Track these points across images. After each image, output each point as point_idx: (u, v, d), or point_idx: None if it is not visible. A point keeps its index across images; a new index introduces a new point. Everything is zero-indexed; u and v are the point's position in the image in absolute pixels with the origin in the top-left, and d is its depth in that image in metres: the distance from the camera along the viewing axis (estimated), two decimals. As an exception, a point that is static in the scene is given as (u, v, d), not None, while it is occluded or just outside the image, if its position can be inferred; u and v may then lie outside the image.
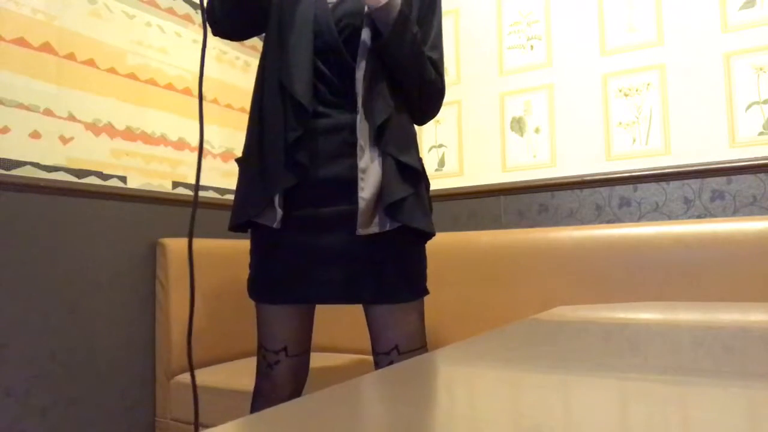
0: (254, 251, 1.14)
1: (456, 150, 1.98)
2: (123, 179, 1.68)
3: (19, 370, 1.40)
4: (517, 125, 1.88)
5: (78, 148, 1.57)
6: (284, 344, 1.10)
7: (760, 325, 0.75)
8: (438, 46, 1.16)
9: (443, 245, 1.67)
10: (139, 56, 1.76)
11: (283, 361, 1.10)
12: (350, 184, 1.04)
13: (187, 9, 1.93)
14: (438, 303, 1.66)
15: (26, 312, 1.43)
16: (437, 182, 1.98)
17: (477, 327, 1.65)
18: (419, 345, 1.10)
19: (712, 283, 1.39)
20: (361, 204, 1.02)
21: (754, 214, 1.52)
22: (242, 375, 1.59)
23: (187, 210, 1.86)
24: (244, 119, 2.12)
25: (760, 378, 0.42)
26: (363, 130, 1.04)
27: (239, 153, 2.11)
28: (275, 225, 1.05)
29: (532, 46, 1.87)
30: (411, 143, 1.11)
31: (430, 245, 1.15)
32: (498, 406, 0.36)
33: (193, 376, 1.05)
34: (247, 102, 2.15)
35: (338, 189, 1.05)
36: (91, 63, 1.61)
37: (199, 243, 1.77)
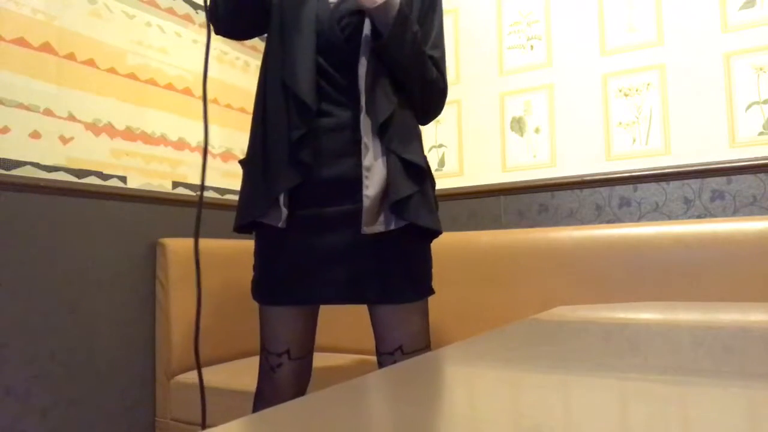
0: (258, 253, 1.13)
1: (456, 150, 1.98)
2: (123, 179, 1.68)
3: (19, 370, 1.40)
4: (517, 125, 1.88)
5: (78, 148, 1.57)
6: (287, 346, 1.10)
7: (760, 325, 0.75)
8: (439, 44, 1.15)
9: (443, 245, 1.66)
10: (139, 56, 1.76)
11: (285, 364, 1.10)
12: (354, 184, 1.03)
13: (187, 9, 1.93)
14: (438, 303, 1.65)
15: (26, 312, 1.43)
16: (437, 182, 1.98)
17: (477, 327, 1.65)
18: (423, 345, 1.10)
19: (712, 283, 1.39)
20: (366, 202, 1.01)
21: (754, 214, 1.52)
22: (244, 375, 1.59)
23: (188, 210, 1.86)
24: (243, 119, 2.13)
25: (760, 378, 0.42)
26: (366, 127, 1.03)
27: (239, 153, 2.12)
28: (280, 224, 1.04)
29: (532, 46, 1.87)
30: (415, 140, 1.10)
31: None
32: (498, 406, 0.36)
33: (200, 376, 1.05)
34: (246, 102, 2.15)
35: (343, 188, 1.05)
36: (91, 63, 1.61)
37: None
